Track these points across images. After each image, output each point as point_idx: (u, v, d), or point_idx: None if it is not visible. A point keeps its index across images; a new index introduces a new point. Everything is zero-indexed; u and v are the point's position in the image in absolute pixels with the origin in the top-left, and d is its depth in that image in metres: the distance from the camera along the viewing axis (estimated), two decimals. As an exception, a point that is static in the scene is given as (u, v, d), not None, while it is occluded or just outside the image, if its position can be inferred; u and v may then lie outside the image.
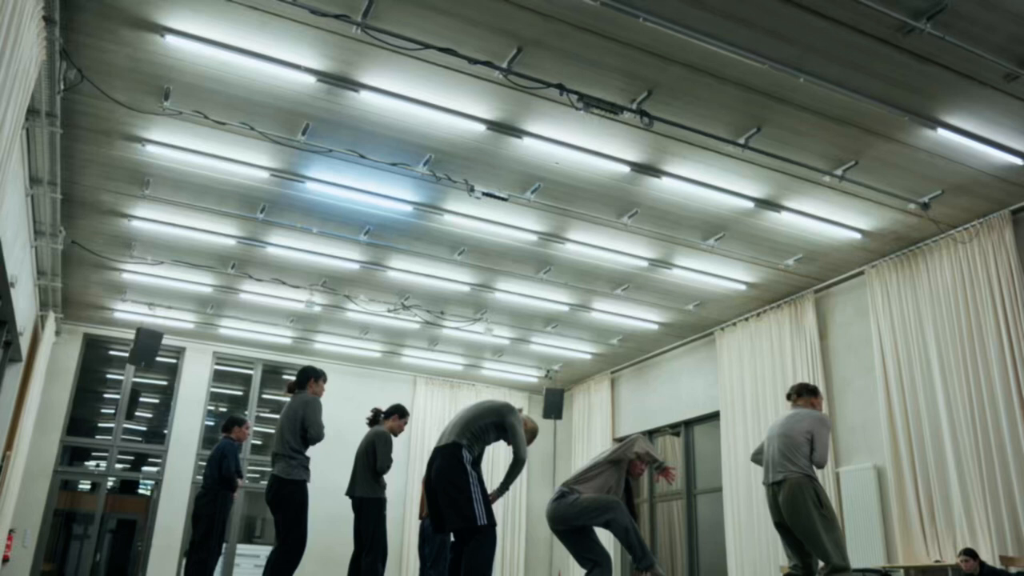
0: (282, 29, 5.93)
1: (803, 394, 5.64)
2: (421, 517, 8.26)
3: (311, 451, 6.19)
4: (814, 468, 5.30)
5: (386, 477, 6.82)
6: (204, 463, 12.34)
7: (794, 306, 10.46)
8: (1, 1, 4.37)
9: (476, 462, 4.95)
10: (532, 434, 5.41)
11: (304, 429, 6.00)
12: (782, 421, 5.51)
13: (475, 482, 4.76)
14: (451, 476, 4.78)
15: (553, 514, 5.52)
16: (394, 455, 6.81)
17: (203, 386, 12.93)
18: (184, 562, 7.46)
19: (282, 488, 5.94)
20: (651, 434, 13.19)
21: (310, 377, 6.30)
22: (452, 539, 5.13)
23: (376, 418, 7.03)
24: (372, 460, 6.64)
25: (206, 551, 7.22)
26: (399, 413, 7.05)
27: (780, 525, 5.37)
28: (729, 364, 11.30)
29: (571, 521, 5.48)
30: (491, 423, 5.09)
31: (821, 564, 5.23)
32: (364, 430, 7.05)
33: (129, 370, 12.67)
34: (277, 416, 13.70)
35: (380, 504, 6.62)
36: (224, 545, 7.79)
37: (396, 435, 6.95)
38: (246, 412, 13.14)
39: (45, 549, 11.67)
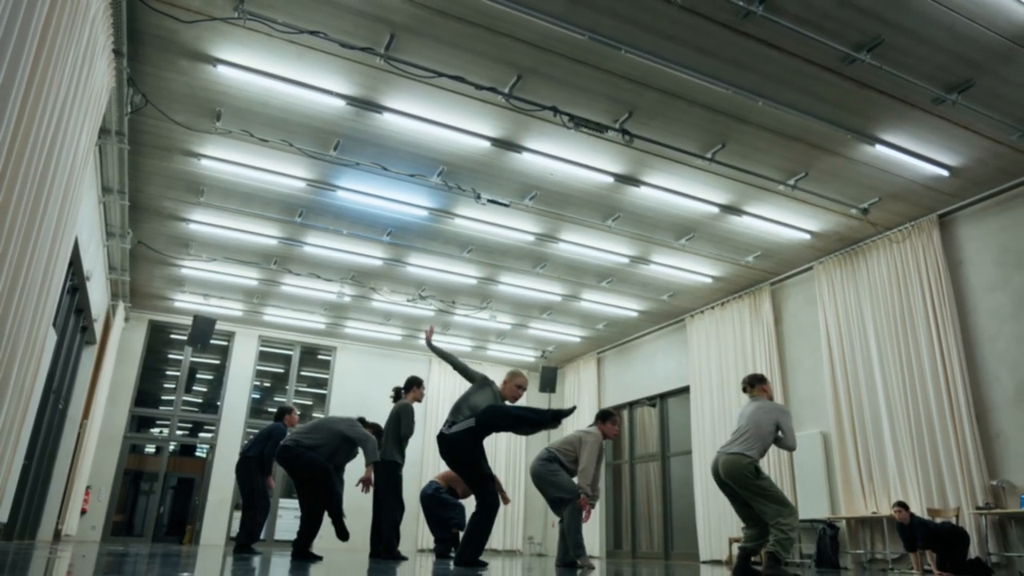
0: (316, 60, 5.92)
1: (756, 384, 5.34)
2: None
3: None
4: (782, 450, 4.93)
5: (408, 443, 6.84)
6: (251, 430, 12.40)
7: (753, 297, 10.46)
8: (77, 37, 4.37)
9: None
10: (519, 384, 5.33)
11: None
12: (751, 412, 5.14)
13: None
14: None
15: None
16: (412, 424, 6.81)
17: (250, 365, 12.94)
18: (241, 515, 7.43)
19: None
20: (631, 405, 13.22)
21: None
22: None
23: (398, 395, 7.00)
24: (397, 429, 6.65)
25: (254, 508, 7.21)
26: (416, 384, 6.99)
27: (724, 485, 5.06)
28: (697, 346, 11.30)
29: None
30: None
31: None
32: (388, 402, 7.05)
33: (187, 351, 12.70)
34: (313, 391, 13.87)
35: (395, 466, 6.63)
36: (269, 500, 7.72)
37: (419, 402, 6.94)
38: (287, 387, 13.16)
39: (117, 503, 11.72)
